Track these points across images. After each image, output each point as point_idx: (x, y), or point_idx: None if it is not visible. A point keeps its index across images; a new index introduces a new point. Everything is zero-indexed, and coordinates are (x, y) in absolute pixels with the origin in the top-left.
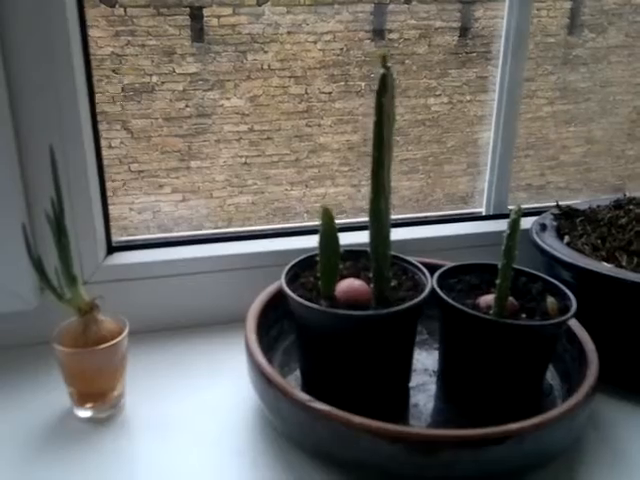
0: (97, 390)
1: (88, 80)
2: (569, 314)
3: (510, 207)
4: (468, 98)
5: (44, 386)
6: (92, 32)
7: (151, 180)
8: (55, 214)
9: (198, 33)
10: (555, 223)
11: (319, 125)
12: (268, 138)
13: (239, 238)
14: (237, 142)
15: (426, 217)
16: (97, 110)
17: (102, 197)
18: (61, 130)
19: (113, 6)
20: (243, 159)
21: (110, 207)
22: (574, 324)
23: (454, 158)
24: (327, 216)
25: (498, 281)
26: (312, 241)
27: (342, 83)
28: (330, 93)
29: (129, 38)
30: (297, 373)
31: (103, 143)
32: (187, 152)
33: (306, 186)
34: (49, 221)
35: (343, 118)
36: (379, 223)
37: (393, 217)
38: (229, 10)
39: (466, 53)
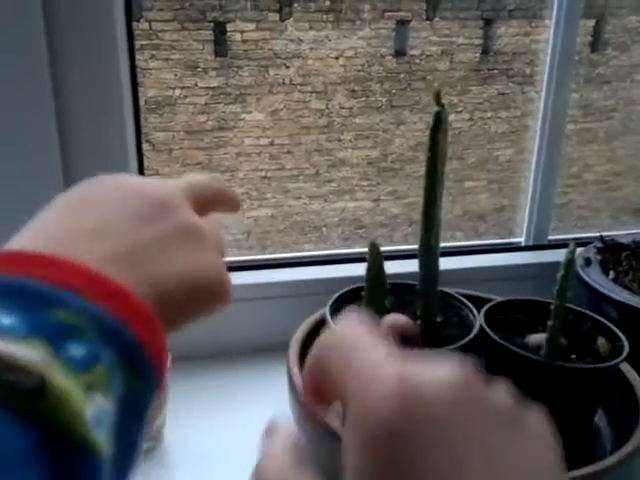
0: None
1: (136, 119)
2: (622, 356)
3: (550, 237)
4: (489, 115)
5: None
6: None
7: None
8: None
9: (221, 48)
10: (599, 257)
11: (339, 140)
12: (288, 152)
13: (280, 265)
14: (257, 156)
15: (463, 246)
16: None
17: None
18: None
19: (138, 20)
20: (263, 172)
21: None
22: (623, 365)
23: (474, 175)
24: (375, 250)
25: (550, 322)
26: (353, 269)
27: (363, 99)
28: (351, 108)
29: (153, 52)
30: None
31: None
32: (207, 165)
33: (325, 200)
34: None
35: (363, 133)
36: (429, 260)
37: None
38: (252, 26)
39: (487, 70)
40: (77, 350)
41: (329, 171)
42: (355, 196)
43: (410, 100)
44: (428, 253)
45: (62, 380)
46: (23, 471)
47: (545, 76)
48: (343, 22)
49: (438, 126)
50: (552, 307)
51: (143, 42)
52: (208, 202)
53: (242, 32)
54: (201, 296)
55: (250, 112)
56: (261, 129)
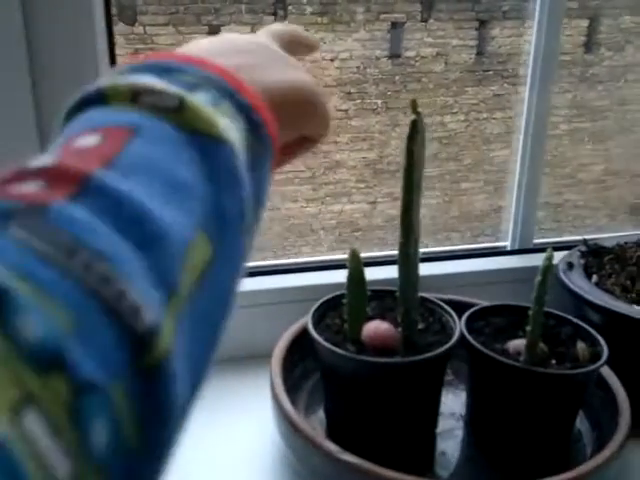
0: None
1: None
2: (601, 362)
3: (535, 241)
4: (484, 116)
5: None
6: None
7: None
8: None
9: None
10: (582, 261)
11: (335, 142)
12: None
13: (263, 273)
14: None
15: (449, 251)
16: None
17: None
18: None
19: (133, 24)
20: None
21: None
22: (604, 369)
23: (471, 176)
24: (355, 259)
25: (529, 328)
26: (336, 276)
27: (358, 101)
28: (347, 110)
29: None
30: (321, 413)
31: None
32: None
33: (322, 203)
34: None
35: (359, 135)
36: (408, 268)
37: None
38: (247, 29)
39: (483, 71)
40: (205, 96)
41: (325, 174)
42: (352, 198)
43: (405, 102)
44: (407, 261)
45: (197, 102)
46: (173, 144)
47: (528, 79)
48: (338, 24)
49: (414, 135)
50: (530, 313)
51: (138, 46)
52: (293, 43)
53: None
54: (304, 107)
55: None
56: None
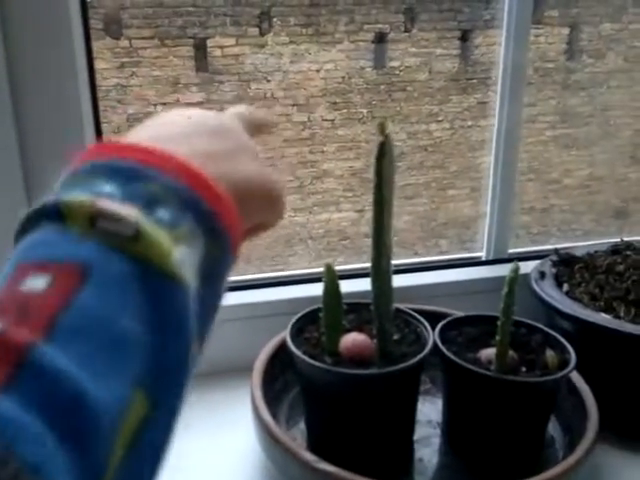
0: None
1: (98, 137)
2: (568, 369)
3: (511, 251)
4: (469, 123)
5: None
6: (97, 64)
7: None
8: None
9: (202, 63)
10: (554, 270)
11: (322, 152)
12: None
13: (243, 287)
14: None
15: (425, 262)
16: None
17: None
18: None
19: (118, 38)
20: None
21: None
22: (574, 375)
23: (457, 183)
24: (330, 273)
25: (498, 337)
26: (315, 289)
27: (344, 110)
28: (333, 120)
29: (134, 69)
30: (302, 425)
31: None
32: None
33: (310, 212)
34: None
35: (346, 145)
36: (381, 281)
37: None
38: (232, 41)
39: (466, 80)
40: (164, 214)
41: (313, 183)
42: (339, 207)
43: (391, 111)
44: (380, 275)
45: (153, 229)
46: (122, 288)
47: (498, 87)
48: (322, 36)
49: (383, 156)
50: (499, 323)
51: (124, 59)
52: (254, 126)
53: (222, 47)
54: (266, 199)
55: None
56: None
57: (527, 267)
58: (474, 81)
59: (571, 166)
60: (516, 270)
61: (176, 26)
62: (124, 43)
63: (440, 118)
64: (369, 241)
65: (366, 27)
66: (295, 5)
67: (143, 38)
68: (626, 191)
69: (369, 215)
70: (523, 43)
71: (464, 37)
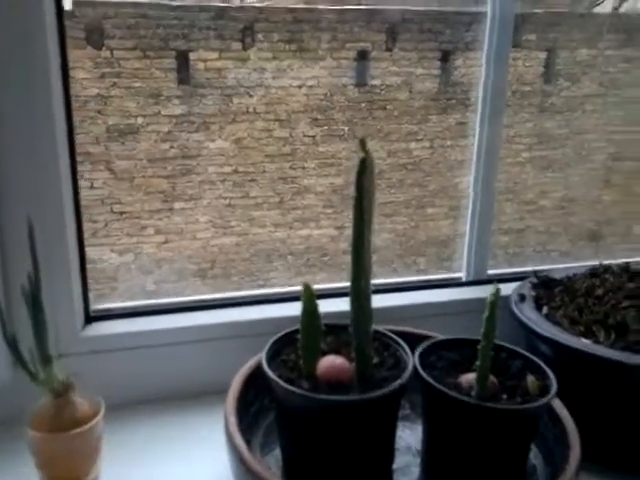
0: (70, 475)
1: (70, 147)
2: (549, 396)
3: (490, 272)
4: (449, 143)
5: (13, 469)
6: (77, 73)
7: (133, 221)
8: (32, 291)
9: (184, 76)
10: (534, 293)
11: (303, 168)
12: (252, 180)
13: (221, 306)
14: (221, 183)
15: (405, 282)
16: (80, 150)
17: (81, 266)
18: (40, 198)
19: (100, 48)
20: (227, 200)
21: (89, 249)
22: (555, 402)
23: (436, 201)
24: (308, 293)
25: (478, 363)
26: (294, 308)
27: (326, 127)
28: (314, 137)
29: (115, 80)
30: (278, 451)
31: (85, 183)
32: (171, 193)
33: (290, 228)
34: (25, 298)
35: (327, 161)
36: (360, 302)
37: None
38: (215, 54)
39: (446, 100)
40: None
41: (294, 199)
42: (320, 224)
43: (371, 129)
44: (359, 296)
45: None
46: None
47: (478, 109)
48: (305, 52)
49: (363, 172)
50: (479, 348)
51: (105, 70)
52: None
53: (205, 61)
54: None
55: (214, 140)
56: (225, 157)
57: (507, 289)
58: (453, 101)
59: (547, 187)
60: (497, 293)
61: (158, 38)
62: (105, 53)
63: (420, 137)
64: (349, 258)
65: (348, 45)
66: (279, 21)
67: (125, 49)
68: (600, 214)
69: (349, 232)
70: (503, 66)
71: (444, 58)
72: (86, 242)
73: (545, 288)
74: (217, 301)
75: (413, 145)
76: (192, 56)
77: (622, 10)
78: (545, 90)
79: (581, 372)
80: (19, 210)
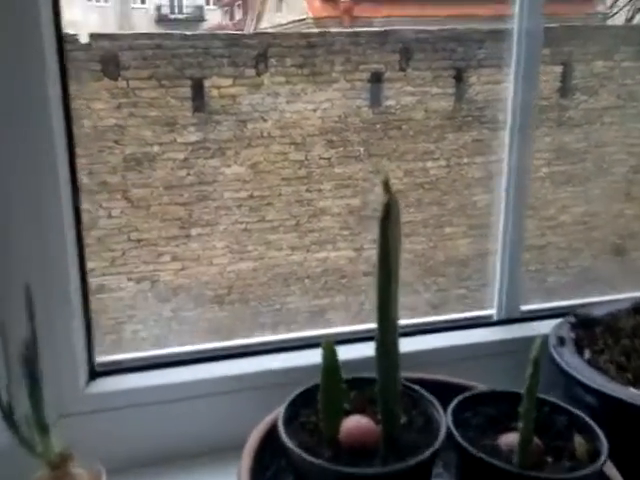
0: None
1: (75, 210)
2: (600, 461)
3: (523, 308)
4: (465, 160)
5: None
6: (95, 105)
7: (150, 249)
8: (28, 360)
9: (199, 103)
10: (573, 334)
11: (319, 190)
12: (268, 204)
13: (236, 355)
14: (237, 208)
15: (432, 323)
16: (97, 180)
17: (85, 318)
18: (44, 256)
19: (116, 79)
20: (243, 225)
21: (107, 277)
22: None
23: (454, 220)
24: (329, 350)
25: (521, 425)
26: (315, 356)
27: (341, 149)
28: (329, 159)
29: (132, 109)
30: None
31: (102, 213)
32: (187, 220)
33: (307, 250)
34: (21, 366)
35: (343, 182)
36: (387, 361)
37: None
38: (229, 81)
39: (462, 117)
40: None
41: (310, 221)
42: (337, 246)
43: (387, 148)
44: (385, 354)
45: None
46: None
47: (507, 129)
48: (318, 75)
49: (387, 218)
50: (521, 409)
51: (122, 100)
52: None
53: (219, 88)
54: None
55: (229, 166)
56: (241, 182)
57: (543, 327)
58: (469, 119)
59: (567, 202)
60: (540, 348)
61: (173, 67)
62: (122, 84)
63: (436, 156)
64: (368, 279)
65: (362, 67)
66: (292, 46)
67: (140, 79)
68: (622, 227)
69: (367, 253)
70: (533, 82)
71: (459, 76)
72: (103, 271)
73: (585, 328)
74: (229, 349)
75: (430, 164)
76: (206, 83)
77: (635, 21)
78: (562, 104)
79: (631, 426)
80: (21, 268)
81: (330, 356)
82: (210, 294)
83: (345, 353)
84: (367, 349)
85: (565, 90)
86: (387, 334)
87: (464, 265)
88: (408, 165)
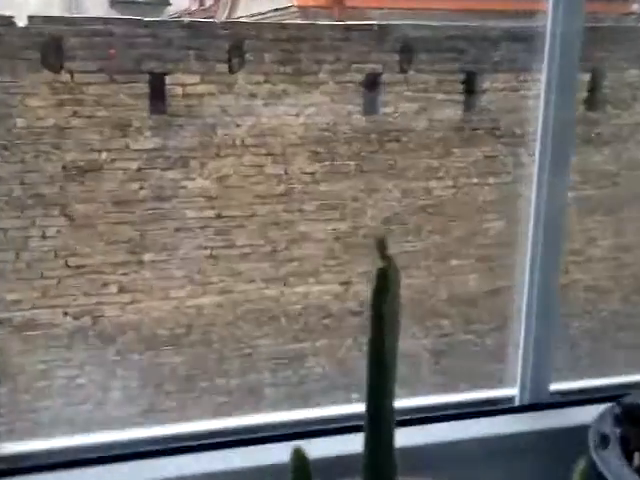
0: None
1: None
2: None
3: (552, 388)
4: (475, 181)
5: None
6: (31, 101)
7: (93, 277)
8: None
9: (158, 104)
10: (618, 430)
11: (300, 211)
12: (239, 226)
13: (194, 449)
14: (201, 230)
15: (437, 406)
16: (31, 192)
17: None
18: None
19: (58, 71)
20: (208, 251)
21: (38, 310)
22: None
23: (461, 251)
24: (299, 461)
25: None
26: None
27: (327, 162)
28: (313, 174)
29: (76, 108)
30: None
31: (35, 232)
32: (139, 242)
33: (284, 284)
34: None
35: (329, 203)
36: (379, 460)
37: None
38: (196, 78)
39: (472, 129)
40: None
41: (289, 248)
42: (320, 278)
43: (383, 164)
44: (377, 453)
45: None
46: None
47: (537, 152)
48: (303, 75)
49: (383, 291)
50: None
51: (64, 96)
52: None
53: (184, 85)
54: None
55: (193, 179)
56: (206, 199)
57: (581, 414)
58: (480, 131)
59: (595, 234)
60: (585, 469)
61: (129, 59)
62: (65, 77)
63: (441, 174)
64: (356, 320)
65: (355, 67)
66: (272, 39)
67: (87, 72)
68: None
69: (356, 288)
70: (569, 93)
71: (469, 80)
72: (35, 303)
73: (632, 423)
74: (178, 438)
75: (433, 183)
76: (168, 80)
77: None
78: (590, 118)
79: None
80: None
81: (299, 465)
82: (164, 334)
83: (325, 448)
84: (353, 444)
85: (593, 102)
86: (381, 431)
87: (472, 305)
88: (407, 184)
